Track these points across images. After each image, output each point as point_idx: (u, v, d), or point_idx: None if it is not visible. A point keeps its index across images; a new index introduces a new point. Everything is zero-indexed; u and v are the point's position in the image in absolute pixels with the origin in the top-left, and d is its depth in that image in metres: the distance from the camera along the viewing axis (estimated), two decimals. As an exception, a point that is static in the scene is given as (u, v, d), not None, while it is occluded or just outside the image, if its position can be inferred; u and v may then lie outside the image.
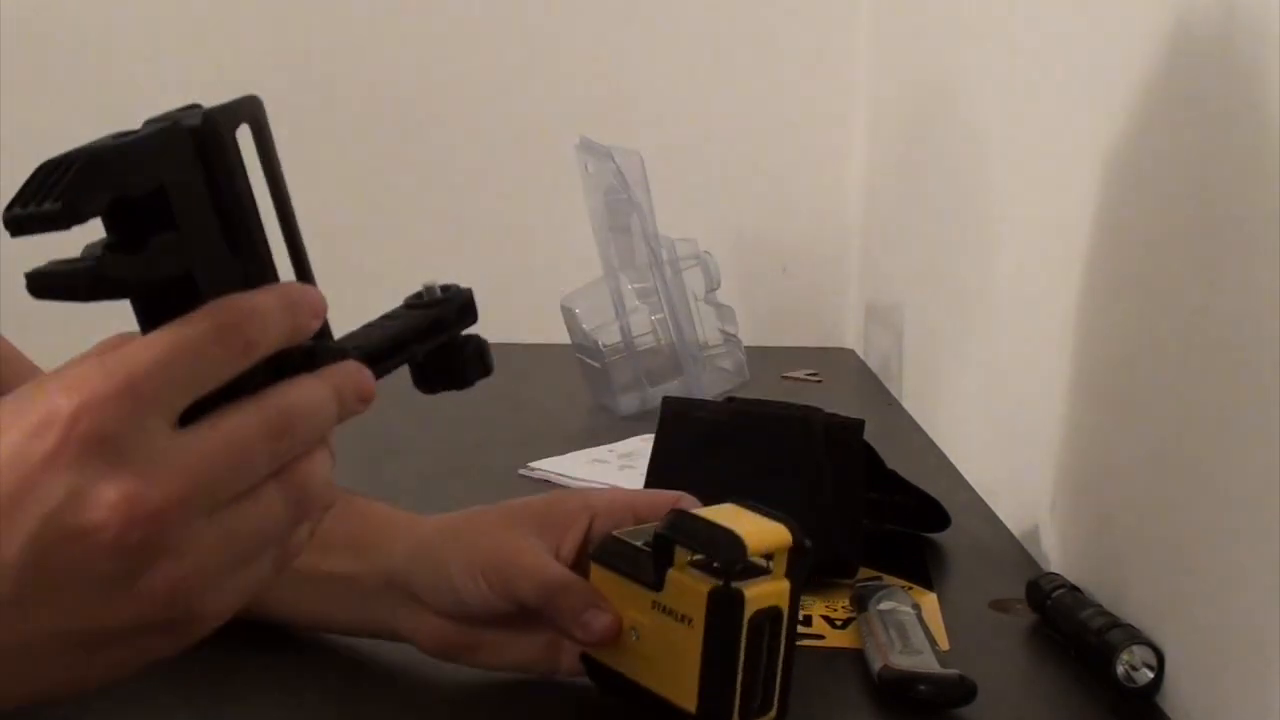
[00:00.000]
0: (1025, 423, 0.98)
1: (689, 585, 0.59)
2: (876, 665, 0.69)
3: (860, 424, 0.87)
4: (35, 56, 1.83)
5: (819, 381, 1.59)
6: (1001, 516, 1.01)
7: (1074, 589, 0.77)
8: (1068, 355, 0.86)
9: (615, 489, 0.72)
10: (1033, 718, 0.69)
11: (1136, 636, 0.69)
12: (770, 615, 0.59)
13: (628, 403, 1.38)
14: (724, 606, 0.57)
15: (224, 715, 0.67)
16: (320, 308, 0.46)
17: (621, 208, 1.36)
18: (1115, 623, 0.70)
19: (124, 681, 0.44)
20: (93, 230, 0.43)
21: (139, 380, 0.41)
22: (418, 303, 0.55)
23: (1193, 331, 0.67)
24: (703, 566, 0.60)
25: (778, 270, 1.90)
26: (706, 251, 1.46)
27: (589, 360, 1.42)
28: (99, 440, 0.40)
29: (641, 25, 1.86)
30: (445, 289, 0.55)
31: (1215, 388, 0.64)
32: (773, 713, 0.60)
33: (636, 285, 1.41)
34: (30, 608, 0.40)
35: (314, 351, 0.47)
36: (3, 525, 0.40)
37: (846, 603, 0.80)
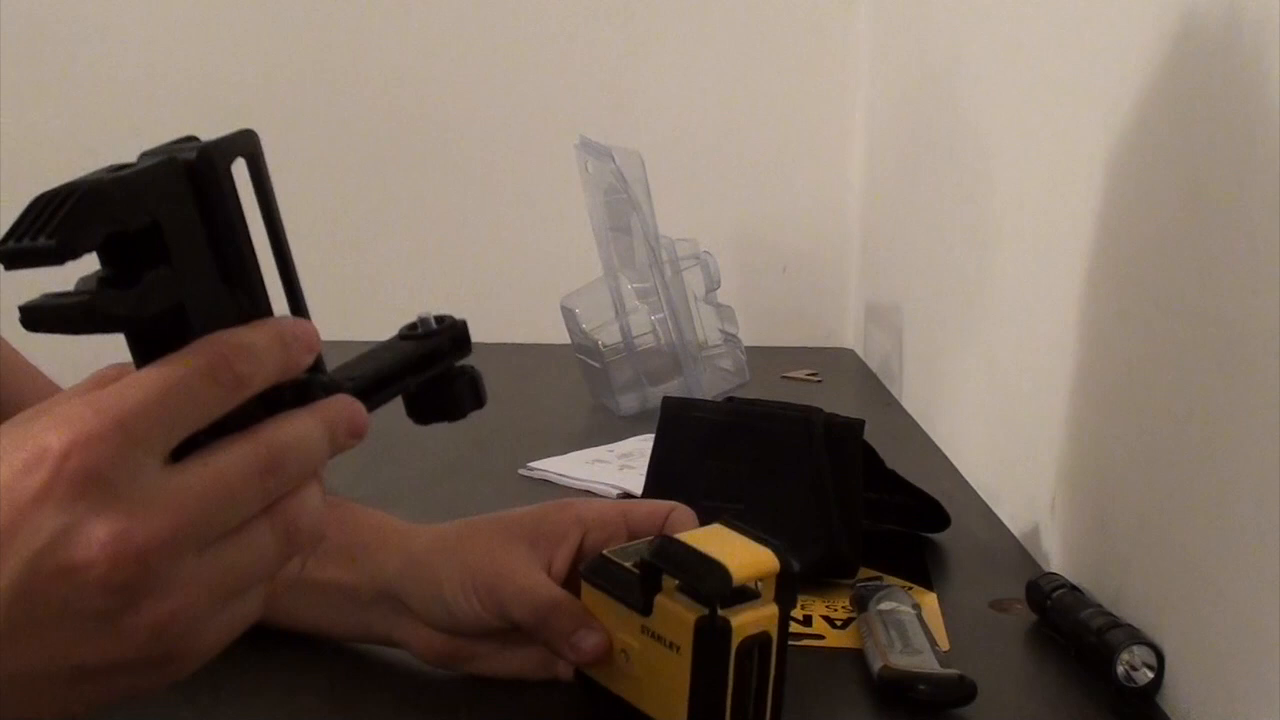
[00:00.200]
0: (1025, 423, 0.98)
1: (676, 613, 0.59)
2: (876, 665, 0.69)
3: (860, 424, 0.87)
4: (35, 57, 1.83)
5: (819, 381, 1.59)
6: (1001, 516, 1.01)
7: (1074, 589, 0.77)
8: (1068, 355, 0.86)
9: (608, 500, 0.72)
10: (1033, 718, 0.69)
11: (1136, 636, 0.69)
12: (759, 641, 0.59)
13: (628, 403, 1.38)
14: (711, 635, 0.58)
15: (224, 715, 0.67)
16: (314, 343, 0.46)
17: (621, 208, 1.36)
18: (1115, 623, 0.70)
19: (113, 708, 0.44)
20: (88, 261, 0.43)
21: (129, 418, 0.41)
22: (412, 334, 0.55)
23: (1192, 331, 0.67)
24: (690, 592, 0.60)
25: (778, 270, 1.90)
26: (706, 251, 1.46)
27: (589, 360, 1.42)
28: (89, 478, 0.40)
29: (641, 25, 1.86)
30: (440, 320, 0.55)
31: (1215, 387, 0.64)
32: None
33: (636, 285, 1.41)
34: (18, 642, 0.41)
35: (307, 384, 0.47)
36: None
37: (846, 603, 0.80)
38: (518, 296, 1.79)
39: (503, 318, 1.71)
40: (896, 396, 1.48)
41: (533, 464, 1.14)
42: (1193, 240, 0.67)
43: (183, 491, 0.41)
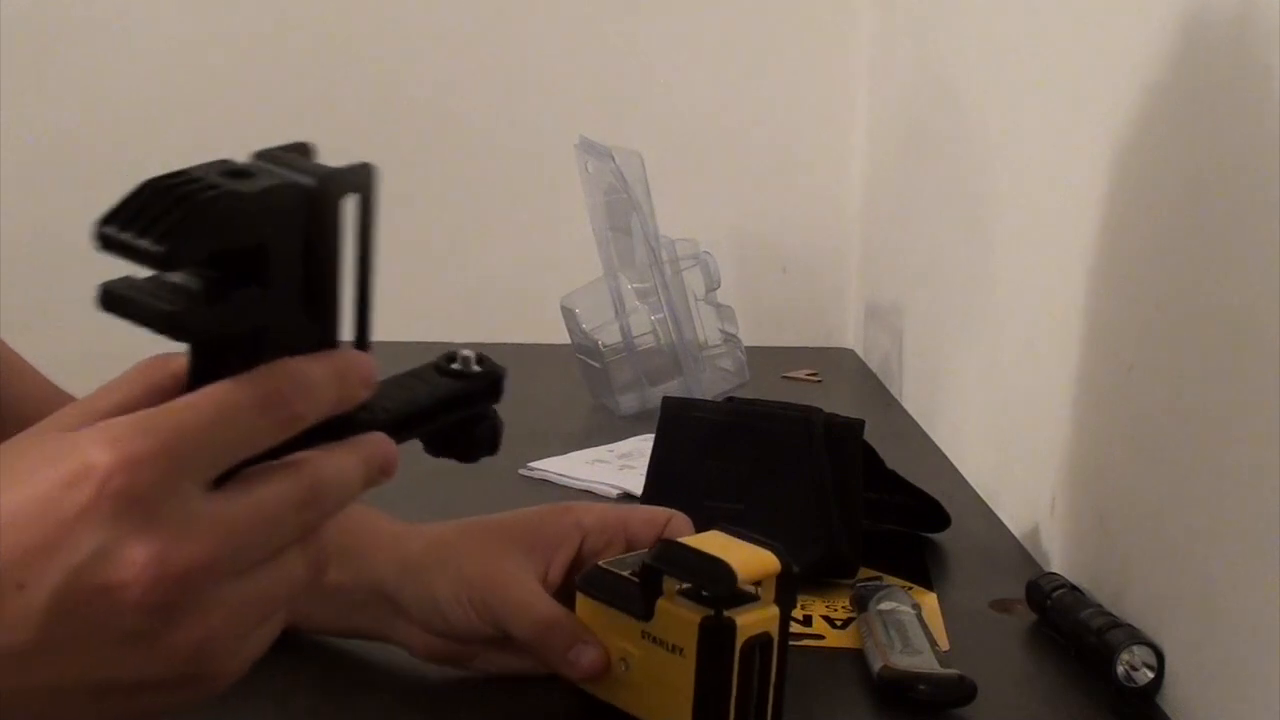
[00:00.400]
0: (1025, 423, 0.98)
1: (679, 615, 0.59)
2: (876, 665, 0.69)
3: (860, 424, 0.87)
4: (36, 56, 1.83)
5: (819, 381, 1.59)
6: (1001, 516, 1.01)
7: (1074, 589, 0.77)
8: (1068, 355, 0.86)
9: (608, 506, 0.72)
10: (1032, 718, 0.69)
11: (1136, 636, 0.69)
12: (761, 642, 0.59)
13: (628, 403, 1.38)
14: (716, 636, 0.58)
15: (224, 715, 0.67)
16: (371, 379, 0.46)
17: (621, 208, 1.36)
18: (1115, 623, 0.70)
19: None
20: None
21: (178, 443, 0.41)
22: (447, 368, 0.53)
23: (1192, 331, 0.67)
24: (692, 596, 0.60)
25: (778, 270, 1.90)
26: (706, 251, 1.46)
27: (589, 360, 1.42)
28: (132, 500, 0.40)
29: (641, 26, 1.85)
30: (480, 361, 0.53)
31: (1215, 387, 0.64)
32: None
33: (636, 285, 1.41)
34: (52, 656, 0.41)
35: (350, 417, 0.46)
36: (31, 574, 0.40)
37: (846, 603, 0.80)
38: (518, 296, 1.79)
39: (503, 317, 1.71)
40: (896, 397, 1.48)
41: (533, 464, 1.14)
42: (1193, 240, 0.67)
43: (223, 521, 0.42)
